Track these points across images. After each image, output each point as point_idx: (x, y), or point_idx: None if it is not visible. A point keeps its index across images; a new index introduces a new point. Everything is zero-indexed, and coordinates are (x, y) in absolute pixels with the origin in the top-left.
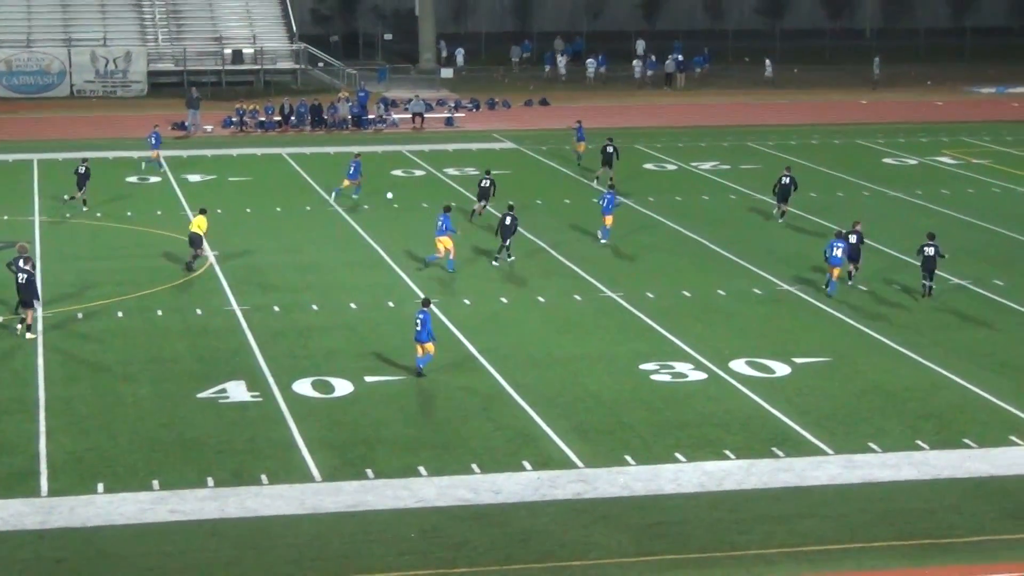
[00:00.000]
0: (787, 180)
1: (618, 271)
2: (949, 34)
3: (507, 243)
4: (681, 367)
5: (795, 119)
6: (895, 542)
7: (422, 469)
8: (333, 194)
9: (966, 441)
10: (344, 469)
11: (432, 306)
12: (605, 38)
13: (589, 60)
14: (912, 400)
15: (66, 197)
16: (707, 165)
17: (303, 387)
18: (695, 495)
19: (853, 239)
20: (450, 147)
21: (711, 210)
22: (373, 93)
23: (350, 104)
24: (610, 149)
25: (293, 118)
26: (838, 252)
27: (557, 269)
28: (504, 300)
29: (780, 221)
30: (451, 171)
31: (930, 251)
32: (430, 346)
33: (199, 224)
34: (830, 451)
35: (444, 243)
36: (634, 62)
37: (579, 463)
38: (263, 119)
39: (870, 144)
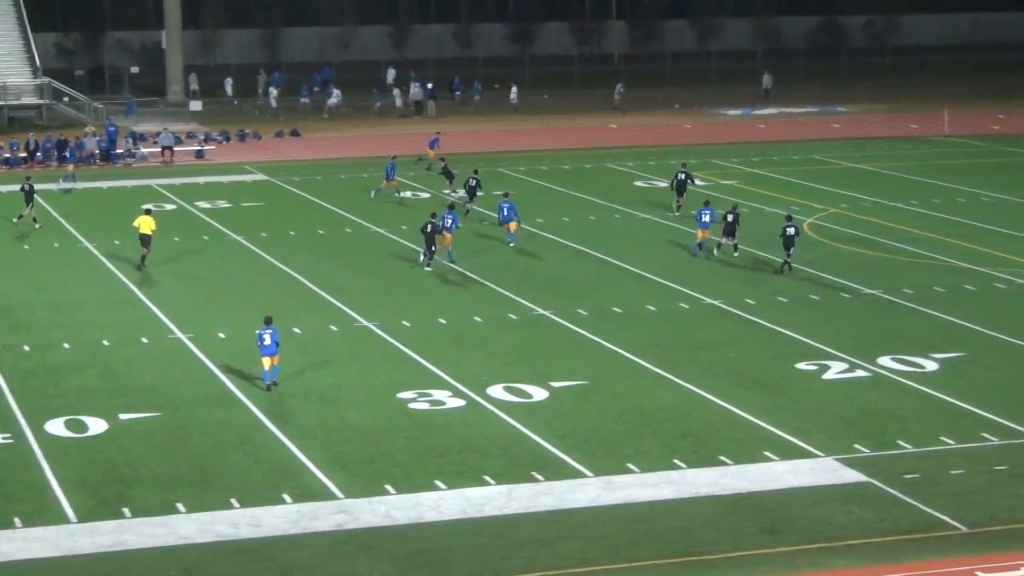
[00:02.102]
0: (683, 176)
1: (374, 300)
2: (695, 58)
3: (433, 248)
4: (439, 394)
5: (546, 144)
6: (657, 560)
7: (180, 506)
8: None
9: (722, 458)
10: (100, 509)
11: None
12: (355, 68)
13: (335, 90)
14: (669, 420)
15: (14, 220)
16: (462, 192)
17: (56, 427)
18: (457, 522)
19: (731, 218)
20: (201, 180)
21: (464, 238)
22: (122, 127)
23: (97, 139)
24: (472, 183)
25: (39, 154)
26: (706, 218)
27: (313, 300)
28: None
29: (676, 213)
30: (202, 204)
31: (791, 231)
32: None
33: (146, 224)
34: (590, 473)
35: (446, 238)
36: (394, 91)
37: (339, 494)
38: (8, 155)
39: (620, 167)
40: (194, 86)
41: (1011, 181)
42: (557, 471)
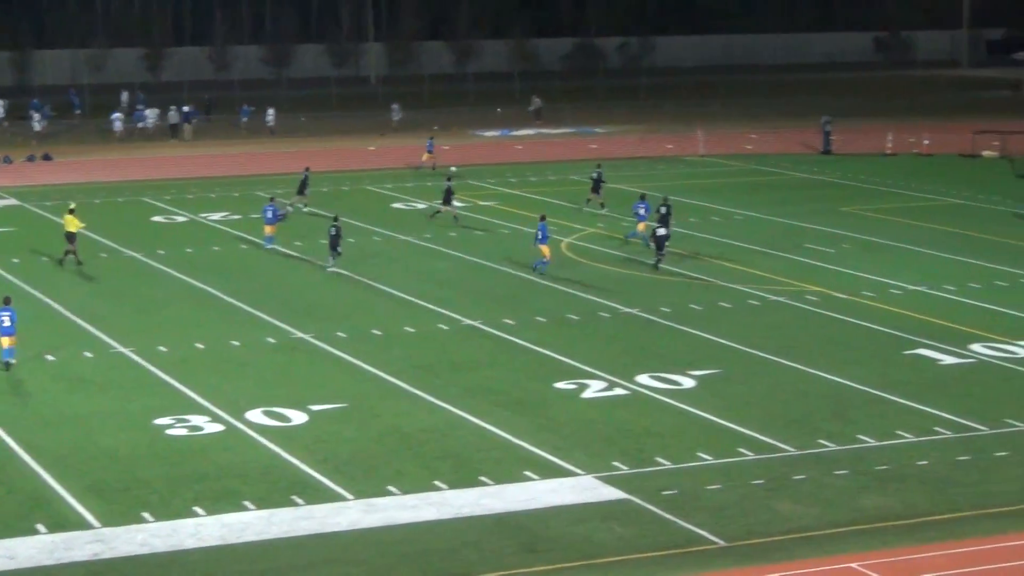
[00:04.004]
0: (596, 175)
1: (129, 326)
2: (453, 80)
3: (337, 250)
4: (197, 420)
5: (303, 167)
6: None
7: None
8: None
9: (483, 479)
10: None
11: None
12: (109, 91)
13: (36, 114)
14: (429, 441)
15: None
16: (217, 216)
17: None
18: (217, 548)
19: (663, 210)
20: None
21: (222, 261)
22: None
23: None
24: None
25: None
26: (641, 211)
27: (66, 325)
28: (12, 360)
29: (586, 209)
30: None
31: (662, 231)
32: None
33: (71, 223)
34: (350, 496)
35: (544, 250)
36: (113, 114)
37: (95, 523)
38: None
39: (379, 189)
40: None
41: (763, 200)
42: (317, 495)
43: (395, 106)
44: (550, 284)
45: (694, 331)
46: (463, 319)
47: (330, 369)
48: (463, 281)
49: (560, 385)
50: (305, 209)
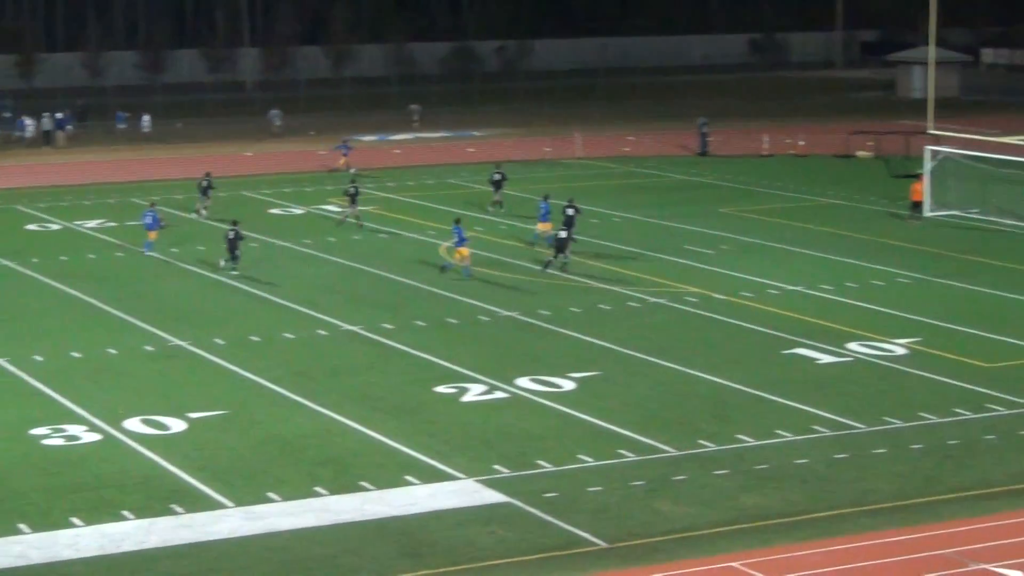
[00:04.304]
0: (498, 176)
1: (3, 335)
2: (329, 84)
3: (236, 253)
4: (74, 429)
5: (180, 173)
6: None
7: None
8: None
9: (364, 484)
10: None
11: None
12: None
13: None
14: (309, 447)
15: None
16: (93, 223)
17: None
18: (95, 559)
19: (571, 212)
20: None
21: (99, 268)
22: None
23: None
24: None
25: None
26: (544, 211)
27: None
28: None
29: (492, 209)
30: None
31: (563, 234)
32: None
33: None
34: (230, 504)
35: (462, 252)
36: (26, 121)
37: None
38: None
39: (256, 195)
40: None
41: (641, 201)
42: (197, 503)
43: (275, 111)
44: (429, 288)
45: (573, 334)
46: (342, 324)
47: (209, 376)
48: (342, 286)
49: (440, 389)
50: (204, 214)
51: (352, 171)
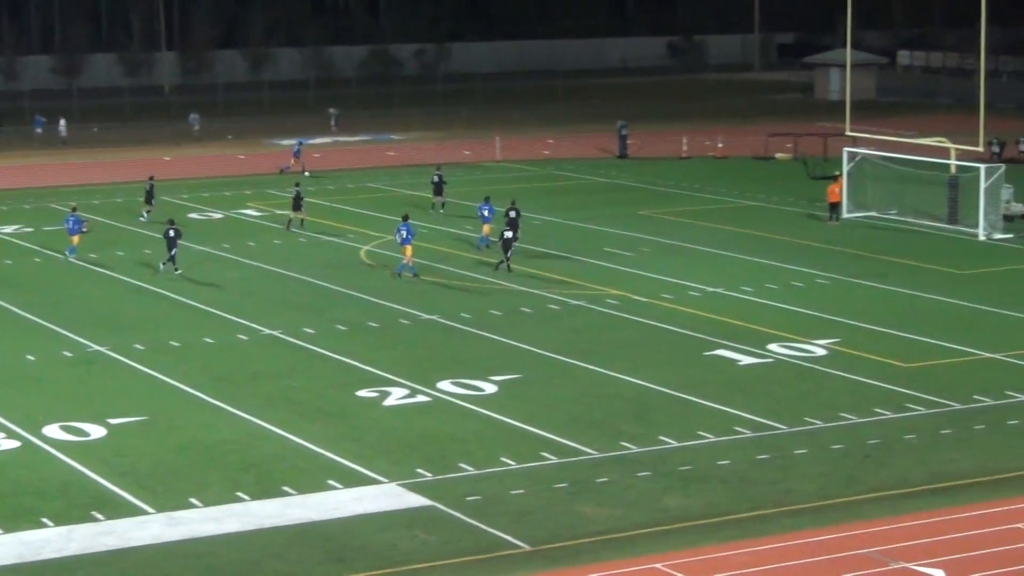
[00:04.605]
0: (437, 179)
1: None
2: (247, 88)
3: (173, 252)
4: None
5: (98, 178)
6: None
7: None
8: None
9: (286, 489)
10: None
11: None
12: None
13: None
14: (231, 452)
15: None
16: (9, 228)
17: None
18: (14, 567)
19: (512, 214)
20: None
21: (16, 274)
22: None
23: None
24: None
25: None
26: (486, 212)
27: None
28: None
29: (441, 212)
30: None
31: (509, 234)
32: None
33: None
34: (152, 510)
35: (406, 251)
36: None
37: None
38: None
39: (175, 199)
40: None
41: (561, 204)
42: (118, 510)
43: (194, 116)
44: (349, 292)
45: (495, 336)
46: (263, 329)
47: (128, 382)
48: (262, 290)
49: (362, 393)
50: (146, 217)
51: (306, 174)
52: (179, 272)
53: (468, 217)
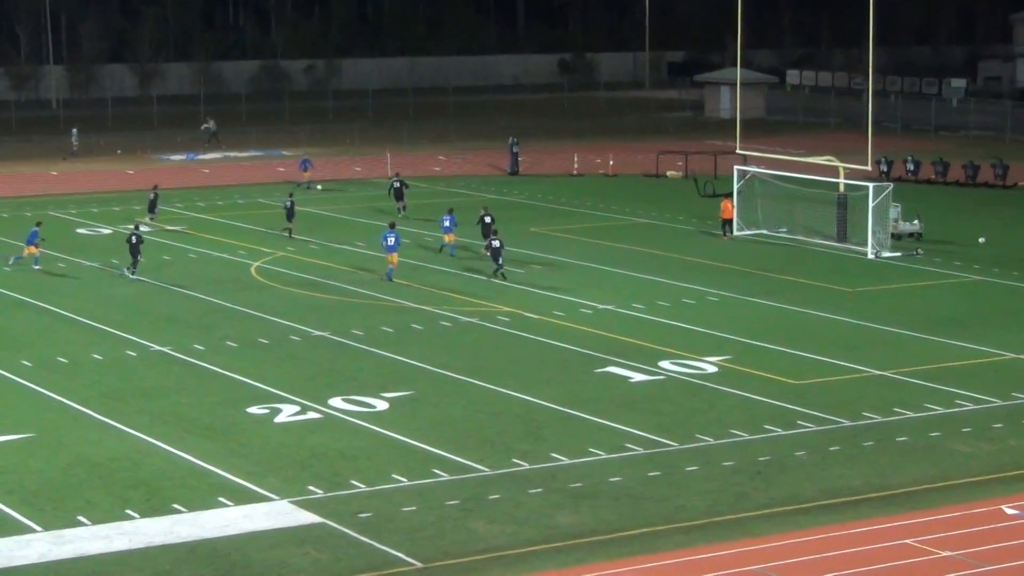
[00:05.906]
0: (398, 184)
1: None
2: (136, 103)
3: (138, 257)
4: None
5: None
6: None
7: None
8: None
9: (176, 506)
10: None
11: None
12: None
13: None
14: (120, 470)
15: None
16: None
17: None
18: None
19: (488, 220)
20: None
21: None
22: None
23: None
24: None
25: None
26: (447, 223)
27: None
28: None
29: (403, 214)
30: None
31: (496, 242)
32: None
33: None
34: (39, 528)
35: (392, 258)
36: None
37: None
38: None
39: (63, 215)
40: None
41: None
42: (4, 527)
43: (74, 130)
44: (239, 308)
45: (386, 353)
46: (151, 345)
47: (14, 398)
48: (151, 307)
49: (252, 410)
50: (147, 226)
51: (319, 188)
52: (135, 278)
53: (364, 234)
